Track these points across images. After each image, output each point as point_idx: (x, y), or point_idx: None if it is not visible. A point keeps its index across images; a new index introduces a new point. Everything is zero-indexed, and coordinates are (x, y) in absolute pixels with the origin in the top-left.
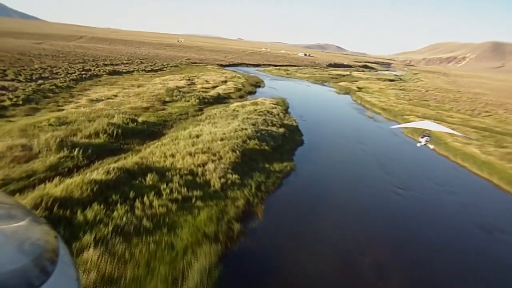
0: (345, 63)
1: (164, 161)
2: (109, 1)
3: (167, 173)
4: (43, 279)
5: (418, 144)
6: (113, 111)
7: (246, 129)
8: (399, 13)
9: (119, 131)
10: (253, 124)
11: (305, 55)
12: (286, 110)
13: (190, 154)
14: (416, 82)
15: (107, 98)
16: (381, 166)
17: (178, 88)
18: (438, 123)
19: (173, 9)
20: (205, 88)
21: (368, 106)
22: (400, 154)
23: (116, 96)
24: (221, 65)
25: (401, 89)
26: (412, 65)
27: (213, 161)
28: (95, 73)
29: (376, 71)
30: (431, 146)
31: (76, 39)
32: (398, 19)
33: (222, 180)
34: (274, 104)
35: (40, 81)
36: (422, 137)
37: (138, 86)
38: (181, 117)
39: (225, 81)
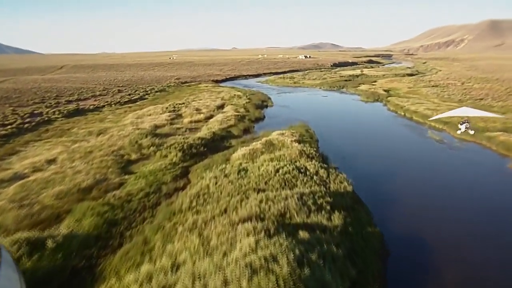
0: (350, 61)
1: None
2: (105, 27)
3: None
4: None
5: (458, 132)
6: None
7: (275, 258)
8: (391, 2)
9: None
10: (283, 223)
11: (306, 57)
12: (317, 151)
13: None
14: (437, 73)
15: (34, 170)
16: None
17: (155, 130)
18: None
19: (166, 26)
20: (194, 122)
21: (418, 119)
22: None
23: (53, 161)
24: (217, 81)
25: (433, 86)
26: (411, 54)
27: None
28: (46, 118)
29: (383, 65)
30: (472, 132)
31: (56, 70)
32: (391, 9)
33: None
34: (297, 143)
35: None
36: (461, 124)
37: (98, 134)
38: (146, 204)
39: (222, 106)
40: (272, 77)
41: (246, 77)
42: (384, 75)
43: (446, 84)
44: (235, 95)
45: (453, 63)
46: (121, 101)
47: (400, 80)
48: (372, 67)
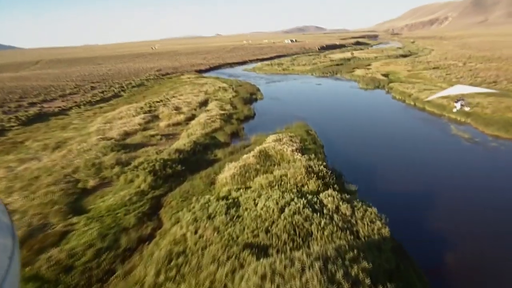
0: (338, 43)
1: None
2: (87, 19)
3: None
4: None
5: (454, 110)
6: None
7: None
8: None
9: None
10: None
11: (292, 41)
12: (327, 165)
13: None
14: (430, 53)
15: None
16: None
17: (124, 140)
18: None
19: (149, 15)
20: (173, 126)
21: (432, 110)
22: None
23: None
24: (200, 71)
25: (434, 68)
26: (397, 33)
27: None
28: None
29: (371, 46)
30: (467, 109)
31: (31, 65)
32: None
33: None
34: (300, 154)
35: None
36: (456, 102)
37: (55, 149)
38: (93, 275)
39: (206, 102)
40: (259, 64)
41: (231, 65)
42: (376, 57)
43: (447, 65)
44: (220, 87)
45: (442, 41)
46: (92, 100)
47: (396, 63)
48: (361, 49)
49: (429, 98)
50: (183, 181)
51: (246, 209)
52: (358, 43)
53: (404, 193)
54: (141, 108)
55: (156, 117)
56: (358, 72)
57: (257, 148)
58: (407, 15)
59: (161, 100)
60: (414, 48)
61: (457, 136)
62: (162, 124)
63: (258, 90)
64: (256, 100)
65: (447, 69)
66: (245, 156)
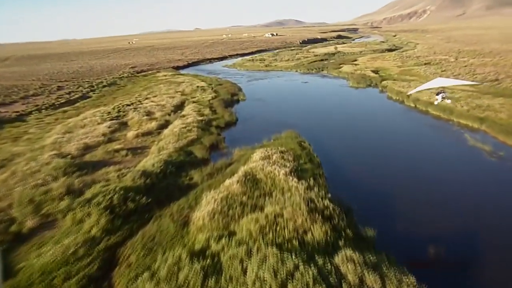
0: (319, 37)
1: None
2: (66, 13)
3: None
4: None
5: (436, 102)
6: None
7: None
8: None
9: None
10: None
11: (273, 35)
12: (330, 196)
13: None
14: (415, 47)
15: None
16: None
17: (82, 157)
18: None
19: (129, 9)
20: (142, 137)
21: (437, 113)
22: None
23: None
24: (177, 68)
25: (425, 63)
26: (376, 27)
27: None
28: None
29: (353, 40)
30: (448, 101)
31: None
32: None
33: None
34: (295, 178)
35: None
36: (437, 95)
37: None
38: None
39: (182, 105)
40: (240, 60)
41: (210, 61)
42: (361, 51)
43: (438, 60)
44: (198, 86)
45: (425, 35)
46: (56, 103)
47: (383, 58)
48: (344, 43)
49: (410, 92)
50: (148, 220)
51: (231, 279)
52: (340, 37)
53: (433, 236)
54: (109, 113)
55: (124, 125)
56: (346, 68)
57: (242, 170)
58: (386, 8)
59: (132, 103)
60: (397, 42)
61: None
62: (130, 134)
63: (240, 89)
64: (238, 101)
65: (439, 64)
66: (227, 182)
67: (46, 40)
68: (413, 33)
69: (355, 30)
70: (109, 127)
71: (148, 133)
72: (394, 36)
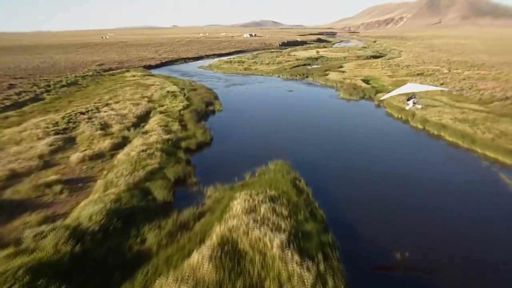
0: (299, 40)
1: None
2: (44, 3)
3: None
4: None
5: (407, 107)
6: None
7: None
8: None
9: None
10: None
11: (251, 35)
12: (343, 272)
13: None
14: (400, 54)
15: None
16: None
17: (1, 189)
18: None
19: (107, 3)
20: (89, 161)
21: (455, 140)
22: None
23: None
24: (149, 67)
25: (418, 74)
26: (354, 32)
27: None
28: None
29: (333, 44)
30: (419, 106)
31: None
32: None
33: None
34: (295, 254)
35: None
36: (408, 100)
37: None
38: None
39: (147, 114)
40: (217, 61)
41: (185, 60)
42: (345, 57)
43: (431, 71)
44: (169, 92)
45: (406, 42)
46: (0, 105)
47: (370, 65)
48: (325, 47)
49: (383, 98)
50: None
51: None
52: (319, 40)
53: None
54: (56, 123)
55: (71, 142)
56: (333, 76)
57: (217, 233)
58: (364, 13)
59: (88, 110)
60: (380, 49)
61: None
62: (75, 157)
63: (216, 97)
64: (213, 113)
65: (433, 76)
66: (194, 258)
67: (19, 31)
68: (392, 39)
69: (333, 34)
70: (50, 145)
71: (98, 156)
72: (374, 42)
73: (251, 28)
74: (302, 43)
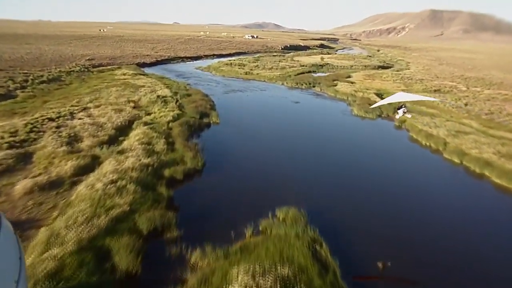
0: (302, 44)
1: None
2: None
3: None
4: None
5: (397, 116)
6: None
7: None
8: None
9: None
10: None
11: (253, 36)
12: None
13: None
14: (408, 65)
15: None
16: None
17: None
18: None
19: None
20: (39, 194)
21: (499, 181)
22: None
23: None
24: (143, 65)
25: (435, 90)
26: (356, 39)
27: None
28: None
29: (336, 51)
30: (409, 115)
31: None
32: None
33: None
34: None
35: None
36: (398, 109)
37: None
38: None
39: (129, 126)
40: (216, 62)
41: (183, 59)
42: (352, 66)
43: (448, 88)
44: (159, 96)
45: (410, 53)
46: None
47: (380, 77)
48: (328, 53)
49: (373, 106)
50: None
51: None
52: (322, 46)
53: None
54: (15, 132)
55: (26, 160)
56: (343, 87)
57: None
58: (366, 21)
59: (61, 116)
60: (386, 58)
61: None
62: (22, 185)
63: (213, 107)
64: (208, 126)
65: (452, 93)
66: None
67: (19, 19)
68: (396, 49)
69: (335, 40)
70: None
71: (53, 185)
72: (378, 51)
73: (252, 29)
74: (305, 48)
